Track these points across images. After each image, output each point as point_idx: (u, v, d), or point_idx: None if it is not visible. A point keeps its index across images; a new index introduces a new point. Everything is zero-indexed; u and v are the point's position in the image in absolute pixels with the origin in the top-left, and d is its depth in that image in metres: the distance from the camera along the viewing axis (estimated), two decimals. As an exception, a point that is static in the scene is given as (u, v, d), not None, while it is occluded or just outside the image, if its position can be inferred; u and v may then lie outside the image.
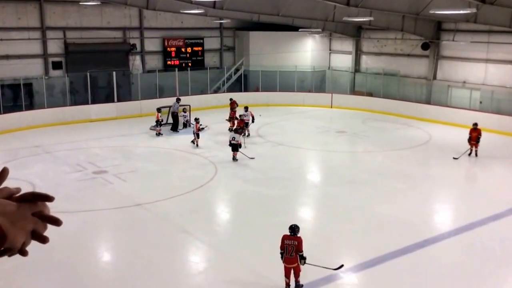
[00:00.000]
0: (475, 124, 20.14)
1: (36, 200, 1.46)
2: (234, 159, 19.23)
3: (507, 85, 26.41)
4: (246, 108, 23.94)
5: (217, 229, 13.82)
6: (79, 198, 15.60)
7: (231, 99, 26.58)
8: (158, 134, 24.10)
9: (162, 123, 24.53)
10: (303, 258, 9.94)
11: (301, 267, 10.04)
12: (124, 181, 17.26)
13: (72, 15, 29.75)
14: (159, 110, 24.31)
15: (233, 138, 19.20)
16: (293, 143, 22.05)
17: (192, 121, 23.17)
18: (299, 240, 9.94)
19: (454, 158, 19.26)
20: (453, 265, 11.48)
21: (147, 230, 13.34)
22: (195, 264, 11.76)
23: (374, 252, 11.84)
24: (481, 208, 14.96)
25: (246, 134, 22.46)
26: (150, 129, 25.34)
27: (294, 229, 10.03)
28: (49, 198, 1.49)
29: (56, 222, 1.48)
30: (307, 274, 10.78)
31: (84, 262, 11.54)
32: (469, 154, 19.91)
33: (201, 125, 22.30)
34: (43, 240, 1.48)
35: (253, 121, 23.55)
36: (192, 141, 21.78)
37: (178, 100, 25.88)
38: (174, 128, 24.94)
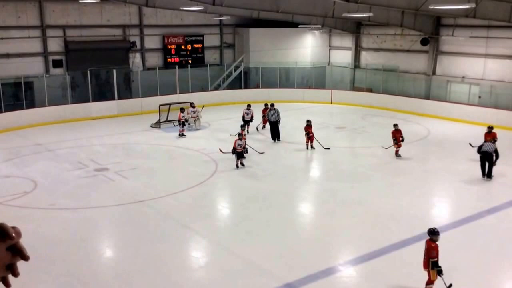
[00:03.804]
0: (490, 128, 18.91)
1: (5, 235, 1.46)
2: (240, 164, 18.30)
3: (505, 80, 26.47)
4: (248, 106, 23.88)
5: (218, 224, 13.91)
6: (80, 195, 15.67)
7: (266, 105, 23.78)
8: (181, 134, 23.39)
9: (184, 123, 23.68)
10: (433, 267, 9.54)
11: (433, 277, 9.64)
12: (125, 178, 17.34)
13: (71, 13, 29.83)
14: (182, 110, 23.80)
15: (239, 145, 17.94)
16: (293, 139, 22.11)
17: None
18: (427, 244, 9.65)
19: (471, 145, 19.02)
20: (451, 258, 11.47)
21: (148, 226, 13.42)
22: (196, 259, 11.83)
23: (372, 245, 11.95)
24: (479, 202, 15.09)
25: (246, 131, 22.51)
26: (151, 126, 25.45)
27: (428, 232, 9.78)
28: (11, 237, 1.50)
29: (25, 258, 1.50)
30: (306, 266, 10.97)
31: (86, 259, 11.58)
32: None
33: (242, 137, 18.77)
34: (15, 273, 1.50)
35: (251, 120, 23.58)
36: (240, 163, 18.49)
37: (272, 106, 22.56)
38: (275, 136, 21.95)
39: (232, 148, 18.06)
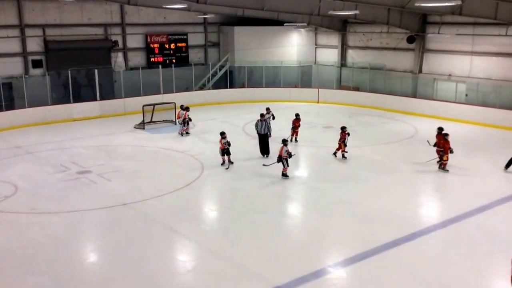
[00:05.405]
0: (440, 129, 18.33)
1: None
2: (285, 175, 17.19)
3: (492, 77, 26.46)
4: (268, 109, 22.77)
5: (205, 227, 13.61)
6: (63, 199, 15.33)
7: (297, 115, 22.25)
8: (186, 133, 23.37)
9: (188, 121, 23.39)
10: None
11: None
12: (108, 180, 16.95)
13: (51, 12, 29.24)
14: (187, 109, 23.45)
15: (286, 152, 16.91)
16: (280, 139, 21.76)
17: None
18: None
19: (428, 143, 18.82)
20: (440, 257, 11.52)
21: (133, 229, 13.14)
22: (183, 263, 11.58)
23: (362, 246, 11.91)
24: (467, 200, 15.02)
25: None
26: (135, 127, 25.00)
27: None
28: None
29: None
30: (296, 268, 10.86)
31: (70, 264, 11.31)
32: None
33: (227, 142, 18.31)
34: None
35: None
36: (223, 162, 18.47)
37: (262, 116, 20.37)
38: (264, 151, 19.83)
39: (277, 156, 17.09)
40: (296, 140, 21.72)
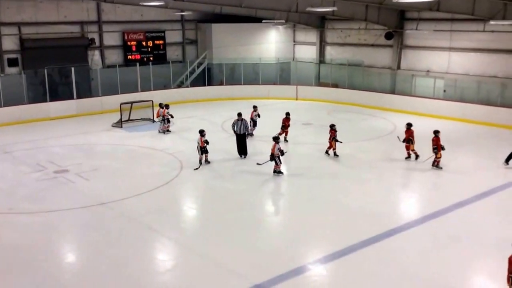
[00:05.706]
0: (408, 124, 18.59)
1: None
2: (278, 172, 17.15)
3: (470, 73, 26.69)
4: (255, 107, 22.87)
5: (184, 226, 13.53)
6: (40, 199, 15.13)
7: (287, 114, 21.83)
8: (167, 130, 23.26)
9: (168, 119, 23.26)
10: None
11: None
12: (86, 179, 16.73)
13: (27, 10, 28.77)
14: (167, 106, 23.30)
15: (278, 149, 16.85)
16: (259, 136, 21.72)
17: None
18: (509, 258, 8.61)
19: (398, 138, 18.93)
20: (420, 253, 11.55)
21: (112, 229, 13.00)
22: (163, 262, 11.48)
23: (342, 243, 11.89)
24: (446, 195, 15.12)
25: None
26: (112, 126, 24.72)
27: None
28: None
29: None
30: (276, 266, 10.80)
31: (49, 264, 11.14)
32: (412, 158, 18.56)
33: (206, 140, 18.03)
34: None
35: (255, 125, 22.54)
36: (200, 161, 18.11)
37: (239, 116, 19.78)
38: (242, 151, 19.33)
39: (270, 154, 16.91)
40: (286, 140, 21.39)
